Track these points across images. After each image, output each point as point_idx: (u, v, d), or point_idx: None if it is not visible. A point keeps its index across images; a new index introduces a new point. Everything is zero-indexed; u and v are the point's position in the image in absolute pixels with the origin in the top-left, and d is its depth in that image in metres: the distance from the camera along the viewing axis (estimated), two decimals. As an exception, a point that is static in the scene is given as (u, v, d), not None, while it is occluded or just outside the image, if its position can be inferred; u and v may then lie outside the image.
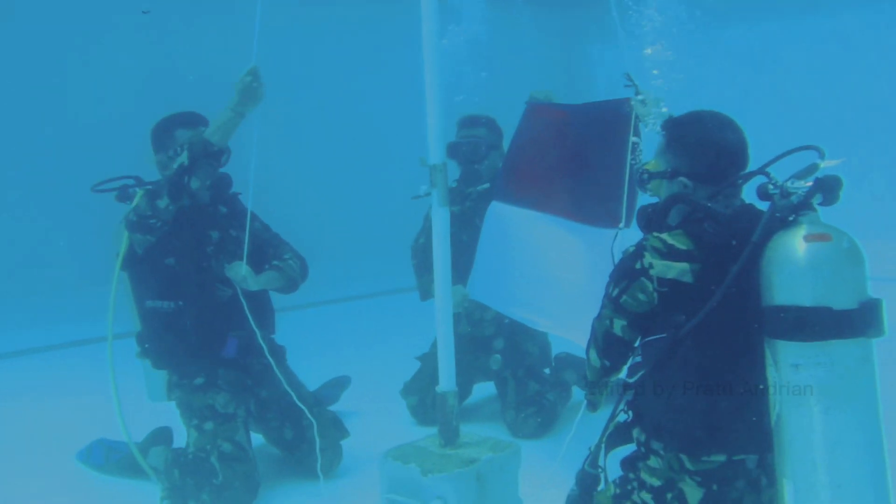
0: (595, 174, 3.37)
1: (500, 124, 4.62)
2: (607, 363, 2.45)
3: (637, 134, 3.15)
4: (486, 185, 4.44)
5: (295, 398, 3.58)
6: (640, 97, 3.04)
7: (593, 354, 2.48)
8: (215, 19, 8.30)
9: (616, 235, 3.16)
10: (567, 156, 3.53)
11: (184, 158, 3.39)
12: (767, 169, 2.24)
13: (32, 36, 7.58)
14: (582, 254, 3.37)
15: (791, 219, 2.11)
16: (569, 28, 11.13)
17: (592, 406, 2.57)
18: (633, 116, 3.12)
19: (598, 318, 2.44)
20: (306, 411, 3.57)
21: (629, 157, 3.14)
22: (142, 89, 7.64)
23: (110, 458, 3.95)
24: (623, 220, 3.17)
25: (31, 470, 4.09)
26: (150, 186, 3.58)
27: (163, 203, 3.40)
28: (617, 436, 2.56)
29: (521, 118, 3.83)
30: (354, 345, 6.57)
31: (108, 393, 3.61)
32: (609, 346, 2.42)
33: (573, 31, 11.09)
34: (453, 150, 4.46)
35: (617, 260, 2.45)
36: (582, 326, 2.62)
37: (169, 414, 3.94)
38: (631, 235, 3.07)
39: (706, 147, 2.37)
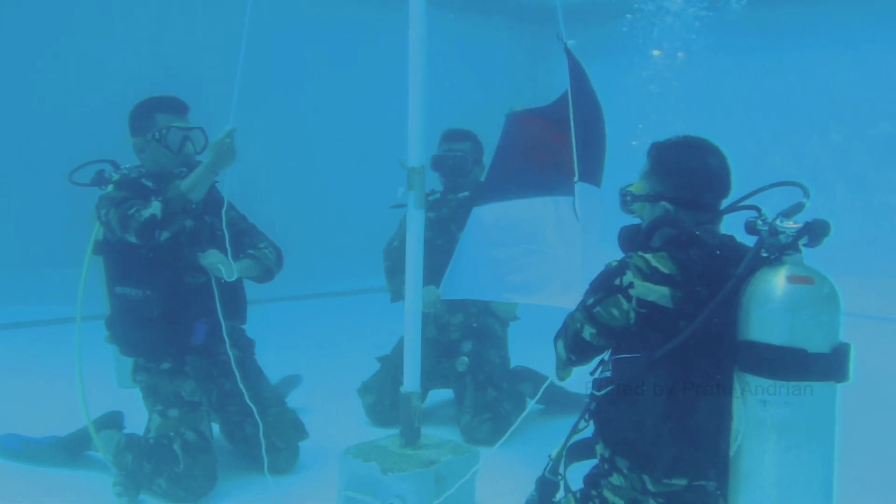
0: (555, 152, 3.55)
1: (478, 134, 4.69)
2: (573, 357, 2.50)
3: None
4: (466, 194, 4.51)
5: (246, 397, 3.53)
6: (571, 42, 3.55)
7: (560, 346, 2.53)
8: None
9: (574, 191, 3.32)
10: (540, 147, 3.72)
11: (156, 210, 3.37)
12: (756, 204, 2.28)
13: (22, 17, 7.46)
14: (553, 223, 3.52)
15: (775, 257, 2.15)
16: (536, 42, 11.33)
17: (561, 379, 2.65)
18: (568, 93, 3.47)
19: (571, 317, 2.48)
20: (255, 411, 3.52)
21: (573, 130, 3.37)
22: (126, 72, 7.53)
23: (30, 445, 3.88)
24: (576, 174, 3.33)
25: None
26: (126, 171, 3.59)
27: (132, 239, 3.42)
28: (579, 450, 2.61)
29: (503, 129, 3.91)
30: (317, 341, 6.58)
31: (67, 375, 3.57)
32: (576, 346, 2.46)
33: (540, 45, 11.30)
34: (438, 163, 4.53)
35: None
36: (563, 291, 2.81)
37: (125, 402, 3.91)
38: (587, 189, 3.37)
39: (689, 173, 2.41)
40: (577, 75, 3.55)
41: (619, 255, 2.47)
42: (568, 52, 3.56)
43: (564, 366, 2.56)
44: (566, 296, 3.16)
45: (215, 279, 3.58)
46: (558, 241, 3.43)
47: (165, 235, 3.41)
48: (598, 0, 9.35)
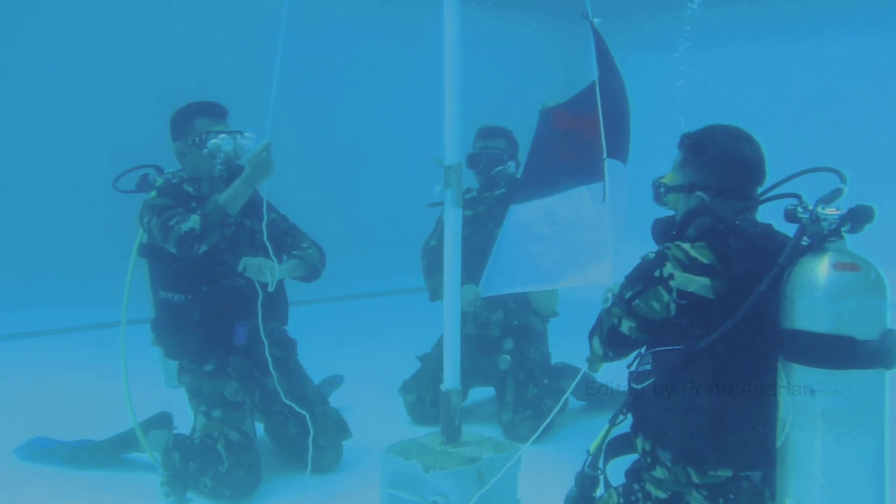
0: (586, 140, 3.53)
1: (513, 130, 4.68)
2: (610, 353, 2.48)
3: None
4: (502, 191, 4.51)
5: (283, 396, 3.58)
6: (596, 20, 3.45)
7: (596, 342, 2.51)
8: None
9: (603, 174, 3.29)
10: (573, 140, 3.70)
11: (195, 224, 3.41)
12: (793, 191, 2.25)
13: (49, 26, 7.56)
14: (586, 211, 3.51)
15: (817, 245, 2.11)
16: (571, 38, 11.26)
17: (593, 371, 2.67)
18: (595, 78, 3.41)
19: (607, 312, 2.46)
20: (307, 416, 3.59)
21: (600, 110, 3.31)
22: (167, 76, 7.61)
23: (63, 447, 3.92)
24: (604, 152, 3.30)
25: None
26: (169, 176, 3.65)
27: (171, 249, 3.47)
28: (618, 445, 2.59)
29: (537, 125, 3.89)
30: (358, 342, 6.62)
31: (116, 377, 3.64)
32: (613, 340, 2.45)
33: (575, 41, 11.20)
34: (472, 161, 4.52)
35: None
36: (592, 269, 2.93)
37: (175, 403, 3.97)
38: (615, 165, 3.33)
39: (724, 161, 2.39)
40: (603, 54, 3.54)
41: (647, 246, 2.45)
42: (594, 29, 3.54)
43: (600, 361, 2.54)
44: (596, 273, 3.20)
45: (257, 281, 3.59)
46: (589, 226, 3.44)
47: (204, 248, 3.46)
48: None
